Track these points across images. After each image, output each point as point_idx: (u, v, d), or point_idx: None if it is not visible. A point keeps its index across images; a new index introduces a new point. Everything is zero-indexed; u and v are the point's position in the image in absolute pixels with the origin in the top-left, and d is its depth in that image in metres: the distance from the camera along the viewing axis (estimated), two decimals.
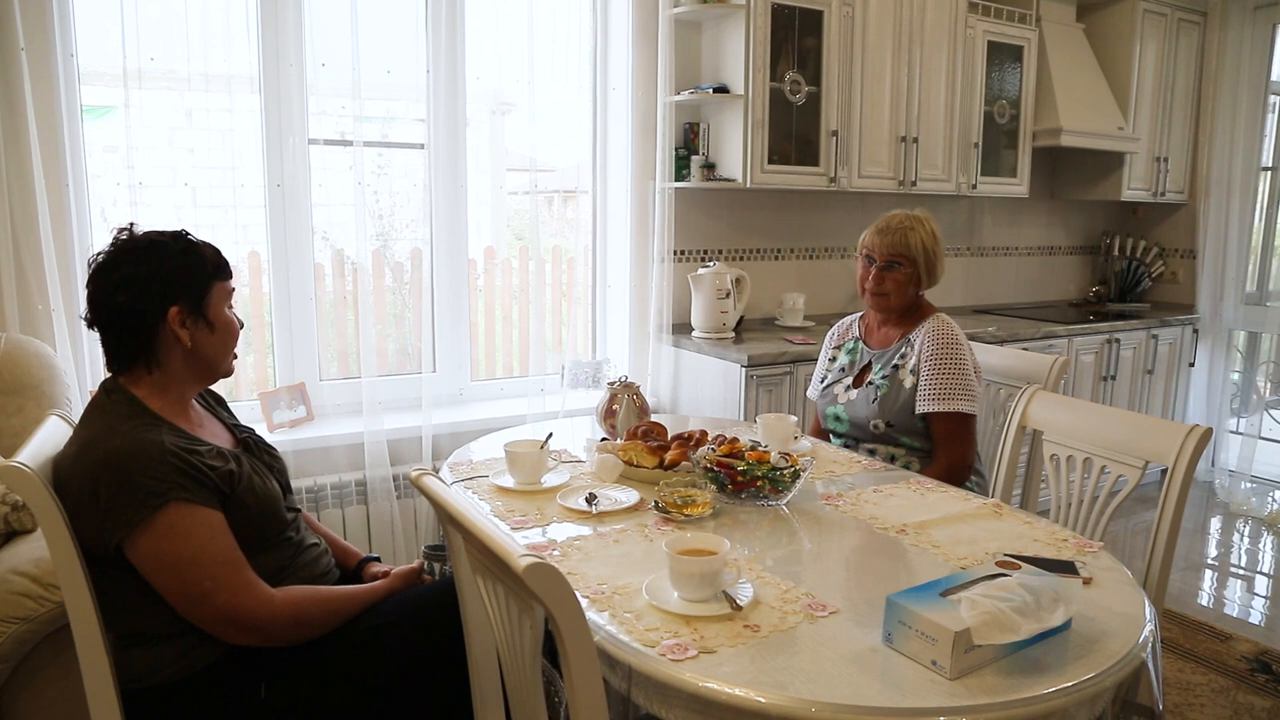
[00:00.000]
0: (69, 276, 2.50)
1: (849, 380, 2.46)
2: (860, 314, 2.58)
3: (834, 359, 2.56)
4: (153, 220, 1.60)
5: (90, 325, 1.52)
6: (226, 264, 1.61)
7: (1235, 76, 4.59)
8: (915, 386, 2.30)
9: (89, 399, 1.54)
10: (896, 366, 2.35)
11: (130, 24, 2.48)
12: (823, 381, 2.56)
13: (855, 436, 2.42)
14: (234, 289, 1.63)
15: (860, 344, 2.50)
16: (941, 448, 2.29)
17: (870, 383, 2.38)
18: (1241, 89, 4.57)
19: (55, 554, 1.37)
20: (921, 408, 2.28)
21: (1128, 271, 4.97)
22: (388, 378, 3.11)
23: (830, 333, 2.65)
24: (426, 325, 3.19)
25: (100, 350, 1.53)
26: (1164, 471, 1.82)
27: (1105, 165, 4.56)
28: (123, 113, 2.51)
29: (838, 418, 2.45)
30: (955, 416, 2.25)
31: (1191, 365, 4.68)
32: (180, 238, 1.56)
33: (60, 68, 2.45)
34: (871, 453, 2.36)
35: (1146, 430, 1.91)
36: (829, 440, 2.48)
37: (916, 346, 2.33)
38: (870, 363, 2.43)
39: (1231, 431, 4.83)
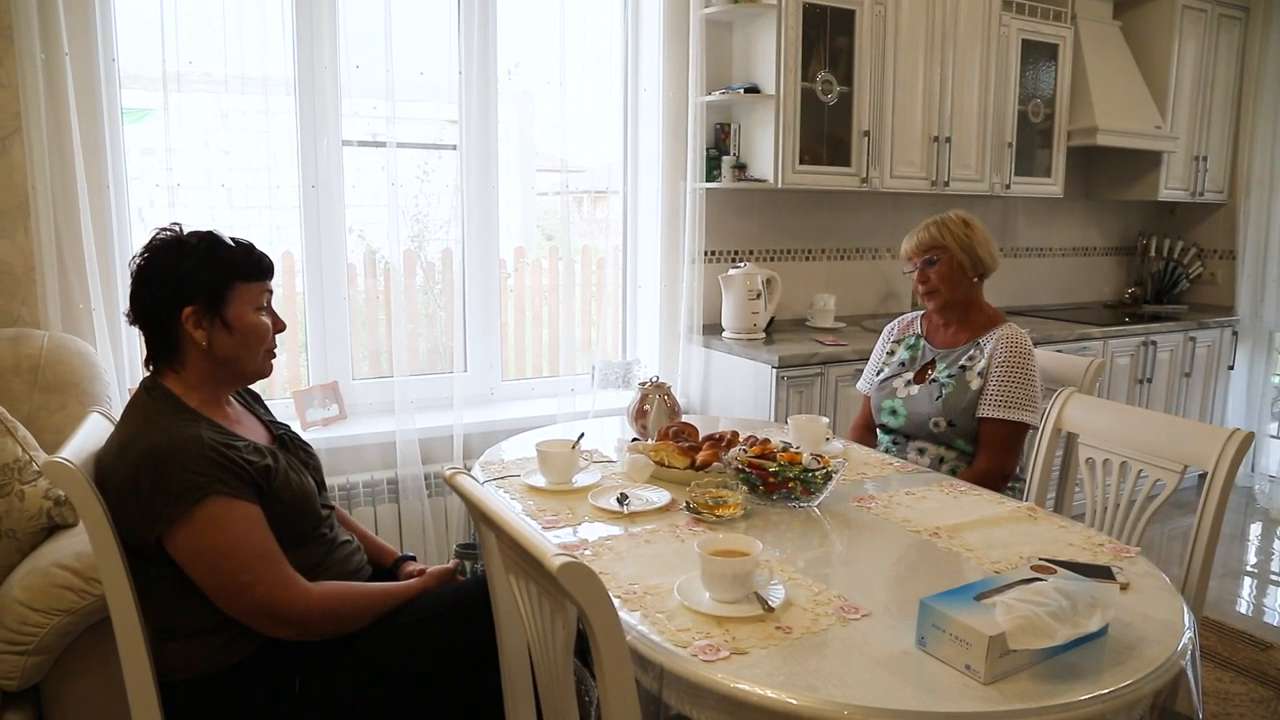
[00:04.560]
0: (109, 276, 2.54)
1: (909, 375, 2.44)
2: (922, 312, 2.57)
3: (892, 353, 2.55)
4: (189, 221, 1.59)
5: (130, 322, 1.56)
6: (259, 265, 1.57)
7: (1278, 73, 4.49)
8: (981, 389, 2.28)
9: (129, 396, 1.57)
10: (964, 367, 2.33)
11: (169, 28, 2.51)
12: (878, 374, 2.54)
13: (908, 433, 2.40)
14: (269, 290, 1.61)
15: (922, 341, 2.49)
16: (986, 451, 2.26)
17: (934, 380, 2.36)
18: None
19: (96, 548, 1.40)
20: (984, 412, 2.26)
21: (1164, 272, 4.88)
22: (419, 377, 3.13)
23: (889, 326, 2.65)
24: (458, 325, 3.21)
25: (138, 349, 1.56)
26: (1202, 476, 1.79)
27: (1142, 165, 4.48)
28: (161, 115, 2.55)
29: (894, 411, 2.42)
30: (1013, 424, 2.24)
31: (1231, 368, 4.59)
32: (205, 237, 1.54)
33: (102, 71, 2.50)
34: (920, 452, 2.35)
35: (1186, 434, 1.88)
36: (873, 438, 2.48)
37: (987, 351, 2.31)
38: (934, 360, 2.42)
39: (1272, 436, 4.73)
